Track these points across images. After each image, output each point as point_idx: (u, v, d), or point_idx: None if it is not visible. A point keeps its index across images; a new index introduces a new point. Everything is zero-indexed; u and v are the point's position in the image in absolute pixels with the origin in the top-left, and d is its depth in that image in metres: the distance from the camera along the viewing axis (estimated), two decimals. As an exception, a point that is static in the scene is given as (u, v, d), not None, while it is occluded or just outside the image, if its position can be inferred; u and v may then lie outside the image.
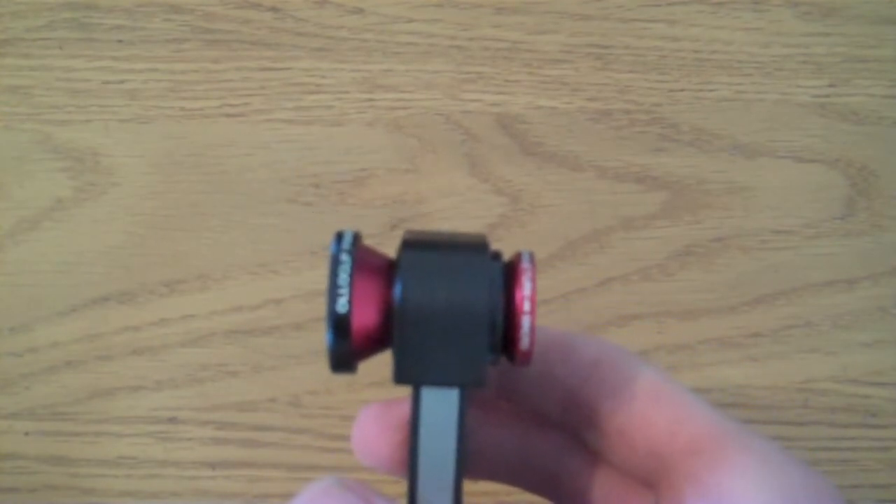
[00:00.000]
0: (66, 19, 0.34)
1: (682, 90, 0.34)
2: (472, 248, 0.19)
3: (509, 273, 0.19)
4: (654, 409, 0.21)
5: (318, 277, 0.33)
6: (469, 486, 0.20)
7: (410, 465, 0.19)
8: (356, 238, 0.19)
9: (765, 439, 0.20)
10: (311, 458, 0.33)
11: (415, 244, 0.19)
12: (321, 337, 0.33)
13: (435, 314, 0.18)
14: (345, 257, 0.18)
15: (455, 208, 0.34)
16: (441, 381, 0.18)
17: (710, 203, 0.34)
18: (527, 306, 0.19)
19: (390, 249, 0.35)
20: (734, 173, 0.34)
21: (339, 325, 0.18)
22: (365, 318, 0.19)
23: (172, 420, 0.33)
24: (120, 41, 0.34)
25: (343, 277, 0.18)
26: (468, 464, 0.19)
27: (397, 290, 0.18)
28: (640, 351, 0.34)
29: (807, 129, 0.34)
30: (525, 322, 0.19)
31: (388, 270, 0.19)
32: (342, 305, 0.18)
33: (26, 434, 0.33)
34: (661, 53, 0.34)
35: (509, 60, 0.34)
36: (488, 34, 0.34)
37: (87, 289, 0.33)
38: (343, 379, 0.33)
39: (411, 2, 0.34)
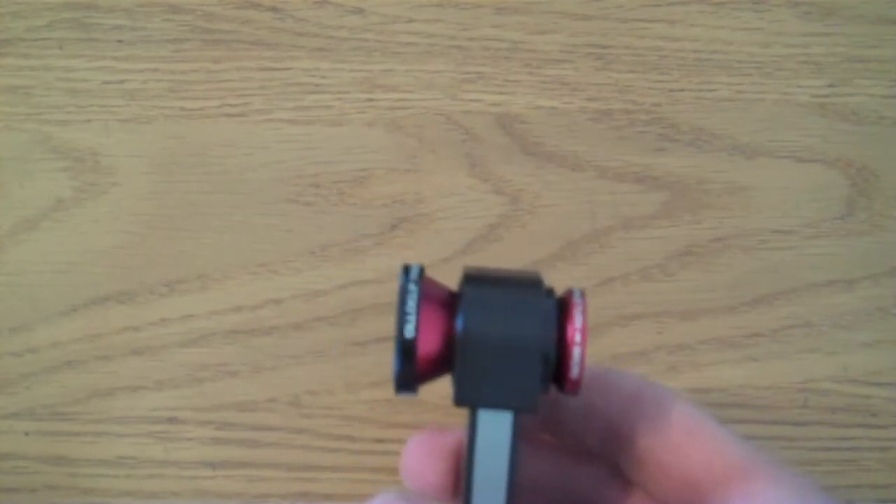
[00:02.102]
0: (66, 19, 0.34)
1: (682, 90, 0.34)
2: (529, 284, 0.20)
3: (562, 307, 0.21)
4: (690, 441, 0.22)
5: (318, 277, 0.33)
6: None
7: (465, 481, 0.20)
8: (422, 270, 0.21)
9: (795, 471, 0.21)
10: (311, 458, 0.33)
11: (476, 278, 0.20)
12: (321, 337, 0.33)
13: (493, 344, 0.20)
14: (412, 287, 0.20)
15: (455, 208, 0.34)
16: (496, 405, 0.20)
17: (710, 203, 0.34)
18: (578, 338, 0.20)
19: (390, 249, 0.35)
20: (734, 173, 0.34)
21: (407, 350, 0.20)
22: (429, 343, 0.20)
23: (172, 420, 0.33)
24: (120, 41, 0.34)
25: (411, 305, 0.20)
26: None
27: (460, 321, 0.20)
28: (639, 351, 0.34)
29: (807, 129, 0.34)
30: (576, 353, 0.20)
31: (450, 301, 0.21)
32: (409, 331, 0.20)
33: (26, 434, 0.33)
34: (661, 53, 0.34)
35: (509, 60, 0.34)
36: (488, 34, 0.34)
37: (87, 289, 0.33)
38: (343, 379, 0.33)
39: (411, 2, 0.34)
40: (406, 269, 0.21)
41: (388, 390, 0.34)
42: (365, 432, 0.33)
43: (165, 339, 0.33)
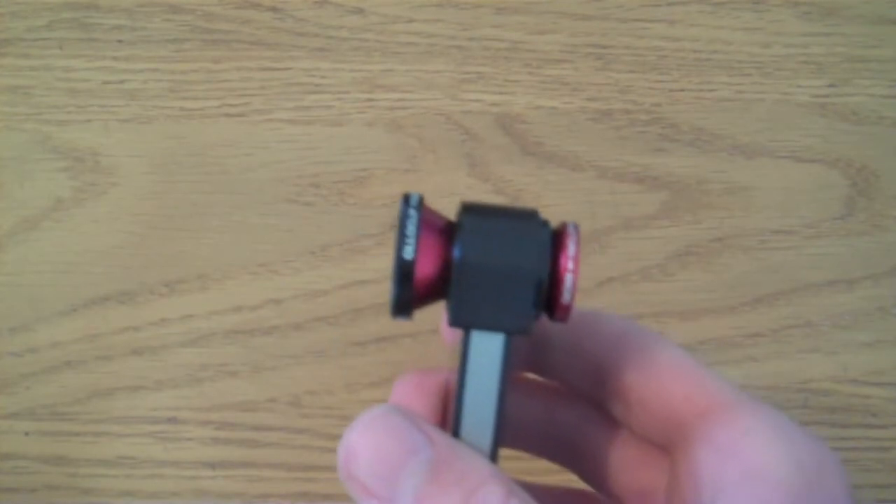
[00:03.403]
0: (66, 19, 0.34)
1: (682, 90, 0.34)
2: (524, 215, 0.21)
3: (556, 238, 0.21)
4: (673, 379, 0.22)
5: (318, 277, 0.33)
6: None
7: (455, 404, 0.21)
8: (422, 199, 0.21)
9: (775, 409, 0.21)
10: (311, 458, 0.33)
11: (473, 208, 0.21)
12: (321, 337, 0.33)
13: (489, 268, 0.20)
14: (412, 212, 0.21)
15: (455, 208, 0.34)
16: (489, 327, 0.20)
17: (710, 203, 0.34)
18: (570, 265, 0.21)
19: (390, 249, 0.35)
20: (734, 173, 0.34)
21: (405, 271, 0.20)
22: (427, 267, 0.21)
23: (172, 420, 0.33)
24: (120, 41, 0.34)
25: (411, 229, 0.20)
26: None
27: (457, 245, 0.20)
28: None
29: (807, 129, 0.34)
30: (568, 279, 0.21)
31: (448, 229, 0.21)
32: (408, 252, 0.20)
33: (26, 434, 0.33)
34: (661, 53, 0.34)
35: (509, 60, 0.34)
36: (488, 34, 0.34)
37: (87, 289, 0.33)
38: (343, 379, 0.33)
39: (411, 2, 0.34)
40: (406, 197, 0.21)
41: (388, 390, 0.34)
42: (365, 432, 0.33)
43: (165, 339, 0.33)
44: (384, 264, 0.33)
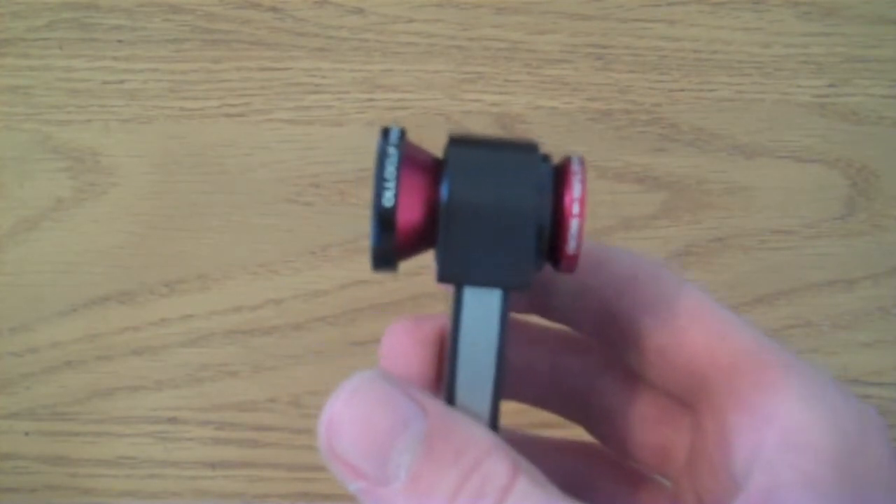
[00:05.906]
0: (66, 19, 0.34)
1: (682, 90, 0.34)
2: (522, 149, 0.18)
3: (559, 176, 0.18)
4: (694, 326, 0.20)
5: (318, 277, 0.33)
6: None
7: (449, 368, 0.18)
8: (403, 133, 0.18)
9: (808, 361, 0.19)
10: (311, 458, 0.33)
11: (463, 142, 0.18)
12: (321, 337, 0.33)
13: (482, 213, 0.17)
14: (392, 150, 0.18)
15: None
16: (484, 282, 0.18)
17: (710, 203, 0.34)
18: (576, 209, 0.18)
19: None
20: (734, 173, 0.34)
21: (385, 219, 0.18)
22: (411, 213, 0.18)
23: (172, 420, 0.33)
24: (120, 41, 0.34)
25: (390, 170, 0.18)
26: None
27: (445, 187, 0.18)
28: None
29: (807, 129, 0.34)
30: (574, 225, 0.18)
31: (434, 168, 0.18)
32: (388, 199, 0.18)
33: (26, 434, 0.33)
34: (661, 53, 0.34)
35: (509, 60, 0.34)
36: (488, 34, 0.34)
37: (87, 289, 0.33)
38: (343, 379, 0.33)
39: (411, 2, 0.34)
40: (385, 132, 0.18)
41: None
42: (365, 432, 0.33)
43: (165, 339, 0.33)
44: (384, 264, 0.34)
